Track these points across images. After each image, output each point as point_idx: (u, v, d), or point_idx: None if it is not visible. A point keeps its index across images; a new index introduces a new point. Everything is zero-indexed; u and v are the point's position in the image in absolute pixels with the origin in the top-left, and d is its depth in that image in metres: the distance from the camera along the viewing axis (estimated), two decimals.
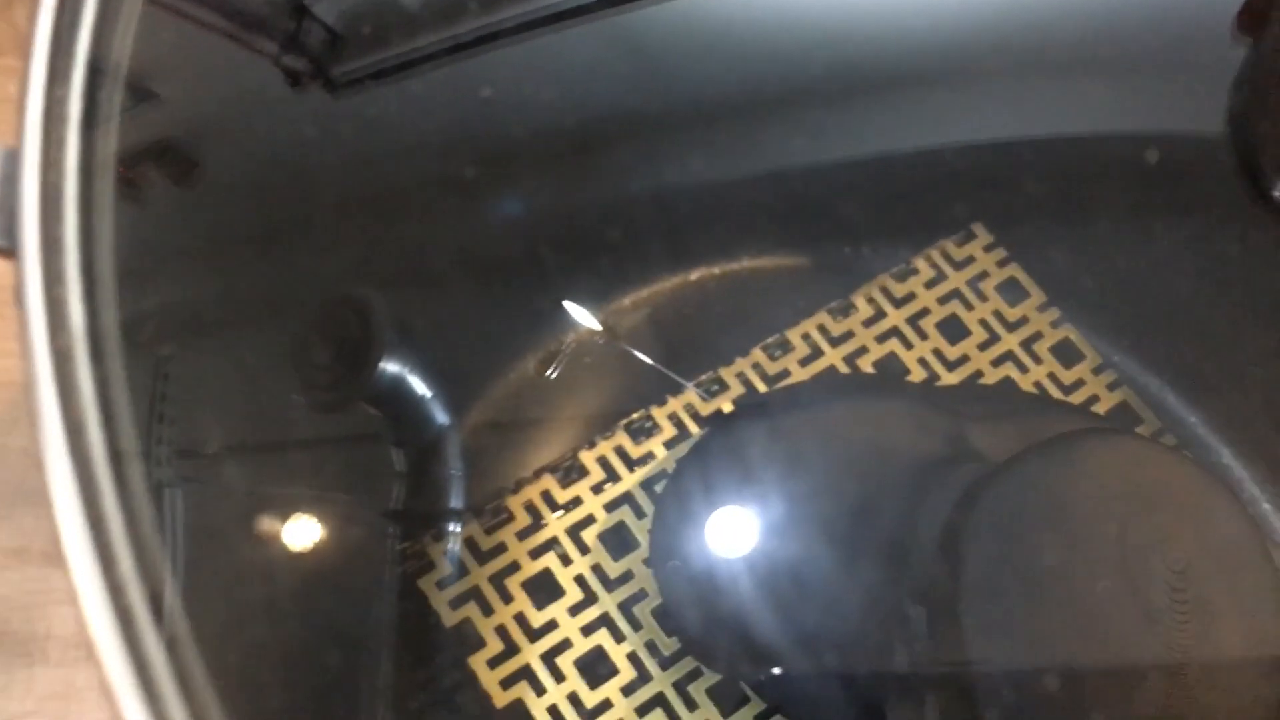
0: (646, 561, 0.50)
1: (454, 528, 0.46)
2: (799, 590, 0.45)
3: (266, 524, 0.41)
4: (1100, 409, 0.54)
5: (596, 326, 0.43)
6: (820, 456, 0.46)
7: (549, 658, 0.49)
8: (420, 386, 0.43)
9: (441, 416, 0.44)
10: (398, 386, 0.42)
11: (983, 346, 0.56)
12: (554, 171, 0.45)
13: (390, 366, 0.42)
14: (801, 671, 0.46)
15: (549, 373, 0.43)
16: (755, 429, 0.50)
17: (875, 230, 0.59)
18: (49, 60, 0.28)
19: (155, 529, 0.33)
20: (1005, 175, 0.59)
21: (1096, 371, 0.55)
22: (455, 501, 0.45)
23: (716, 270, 0.59)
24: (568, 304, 0.44)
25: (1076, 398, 0.54)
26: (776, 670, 0.46)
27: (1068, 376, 0.55)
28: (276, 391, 0.41)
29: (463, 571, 0.50)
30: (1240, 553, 0.33)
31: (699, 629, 0.48)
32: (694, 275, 0.58)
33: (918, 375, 0.55)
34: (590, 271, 0.47)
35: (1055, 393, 0.55)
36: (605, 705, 0.48)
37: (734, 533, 0.47)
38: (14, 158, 0.28)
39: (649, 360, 0.45)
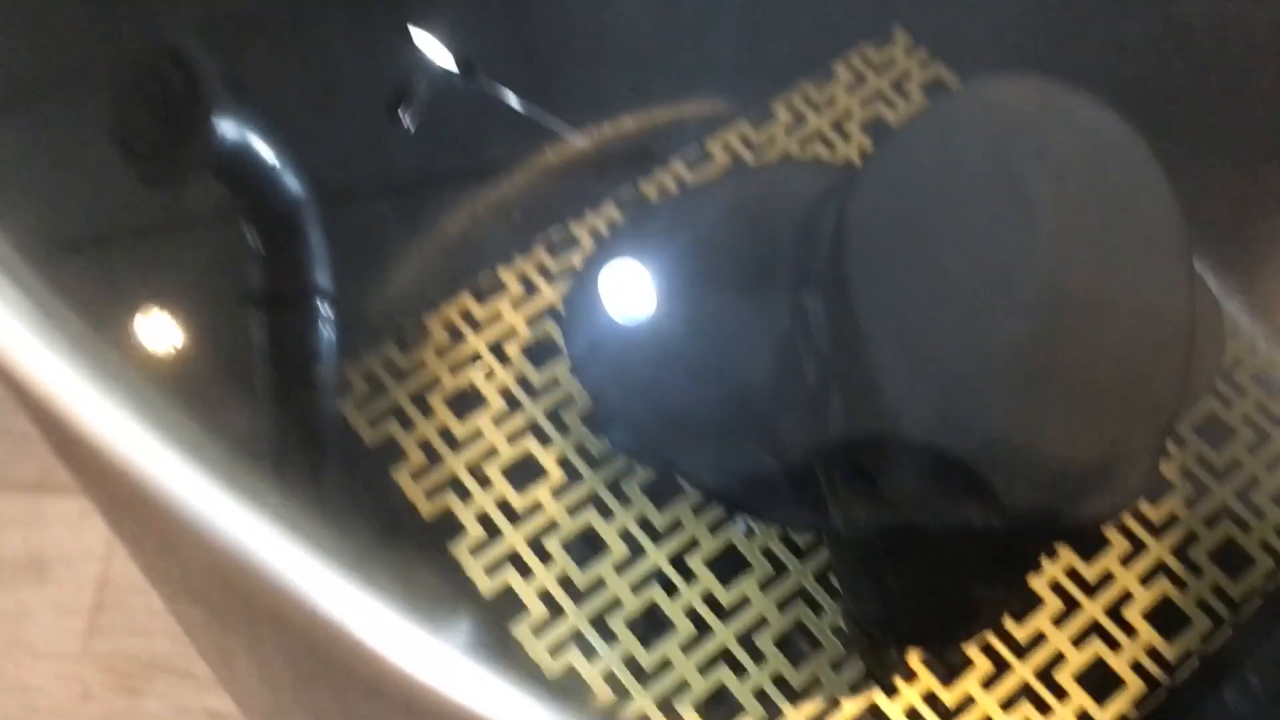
0: (571, 368, 0.48)
1: (323, 308, 0.42)
2: (715, 352, 0.43)
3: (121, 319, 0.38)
4: None
5: (452, 65, 0.40)
6: (722, 227, 0.44)
7: (476, 467, 0.47)
8: (264, 150, 0.38)
9: (294, 186, 0.40)
10: (239, 154, 0.38)
11: None
12: None
13: (227, 130, 0.37)
14: (723, 447, 0.44)
15: (403, 115, 0.39)
16: (660, 215, 0.48)
17: (789, 38, 0.57)
18: None
19: None
20: None
21: None
22: (321, 279, 0.42)
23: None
24: (416, 33, 0.40)
25: None
26: (701, 450, 0.44)
27: None
28: (101, 170, 0.38)
29: (380, 390, 0.48)
30: (1115, 145, 0.31)
31: (624, 421, 0.46)
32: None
33: None
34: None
35: None
36: (535, 508, 0.46)
37: (646, 315, 0.46)
38: None
39: (520, 105, 0.43)
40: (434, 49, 0.41)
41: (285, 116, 0.41)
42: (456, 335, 0.50)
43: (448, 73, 0.41)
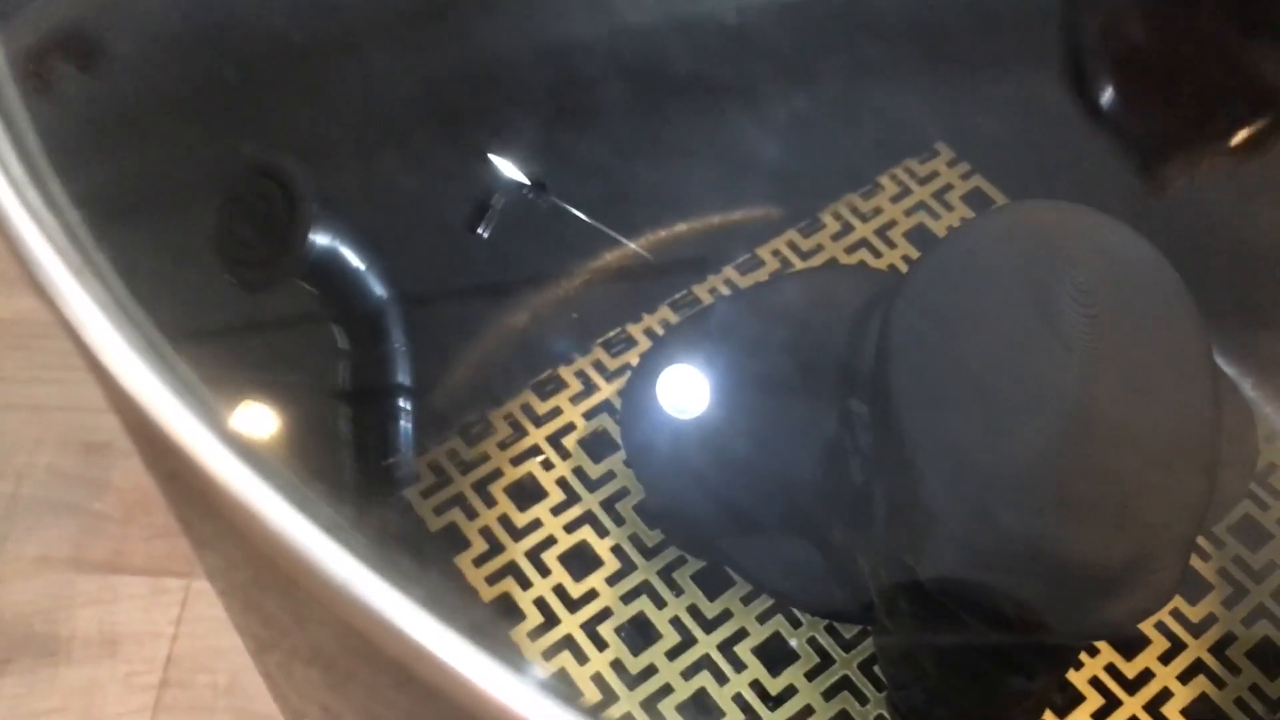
0: (626, 461, 0.51)
1: (402, 404, 0.46)
2: (766, 450, 0.45)
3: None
4: None
5: (525, 181, 0.44)
6: (773, 329, 0.47)
7: (534, 554, 0.49)
8: (353, 258, 0.42)
9: (379, 288, 0.43)
10: (329, 259, 0.42)
11: None
12: (472, 22, 0.46)
13: (319, 238, 0.41)
14: (776, 545, 0.46)
15: (480, 231, 0.43)
16: (709, 323, 0.51)
17: (840, 153, 0.60)
18: None
19: None
20: (965, 92, 0.60)
21: None
22: (403, 377, 0.46)
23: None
24: (493, 158, 0.44)
25: None
26: (754, 546, 0.47)
27: None
28: (205, 275, 0.41)
29: (446, 480, 0.51)
30: (1140, 266, 0.33)
31: (677, 514, 0.49)
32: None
33: None
34: (522, 127, 0.48)
35: None
36: (590, 595, 0.48)
37: (699, 412, 0.48)
38: None
39: (585, 217, 0.46)
40: (510, 170, 0.45)
41: (374, 228, 0.44)
42: (518, 429, 0.52)
43: (521, 188, 0.45)
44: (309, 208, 0.39)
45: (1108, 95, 0.44)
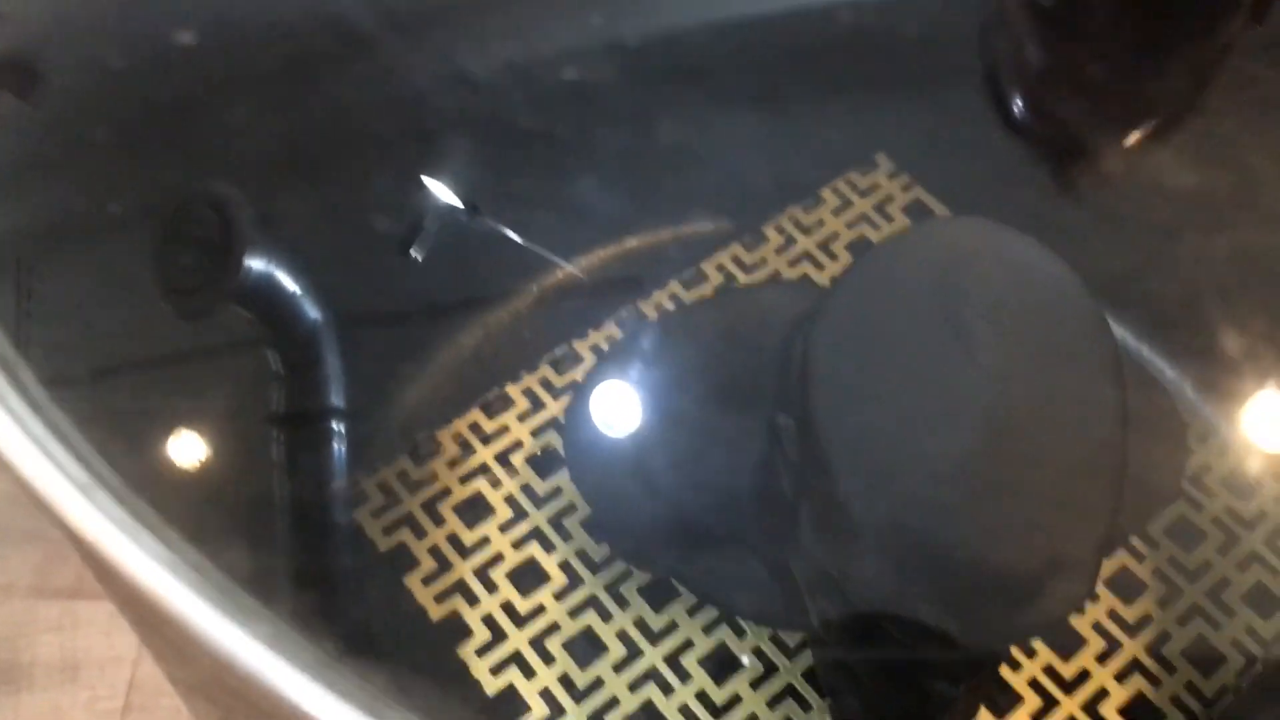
0: (571, 477, 0.52)
1: (337, 426, 0.46)
2: (705, 464, 0.46)
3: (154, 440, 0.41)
4: None
5: (459, 204, 0.45)
6: (706, 344, 0.47)
7: (483, 572, 0.50)
8: (288, 282, 0.43)
9: (313, 312, 0.44)
10: (265, 284, 0.42)
11: None
12: (399, 50, 0.46)
13: (254, 263, 0.42)
14: (715, 553, 0.47)
15: (414, 253, 0.44)
16: (655, 332, 0.51)
17: (779, 168, 0.61)
18: None
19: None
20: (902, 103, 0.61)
21: None
22: (337, 400, 0.46)
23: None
24: (427, 180, 0.45)
25: None
26: (694, 556, 0.47)
27: None
28: (143, 301, 0.42)
29: (395, 500, 0.51)
30: (1047, 281, 0.34)
31: (621, 528, 0.49)
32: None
33: None
34: (455, 153, 0.48)
35: None
36: (538, 610, 0.49)
37: (640, 428, 0.49)
38: None
39: (520, 240, 0.47)
40: (443, 192, 0.45)
41: (308, 251, 0.45)
42: (467, 448, 0.53)
43: (455, 210, 0.46)
44: (244, 231, 0.40)
45: (1018, 108, 0.46)
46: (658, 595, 0.49)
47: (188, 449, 0.42)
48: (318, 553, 0.45)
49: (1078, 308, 0.35)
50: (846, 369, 0.35)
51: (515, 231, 0.46)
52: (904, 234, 0.38)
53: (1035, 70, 0.45)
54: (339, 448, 0.47)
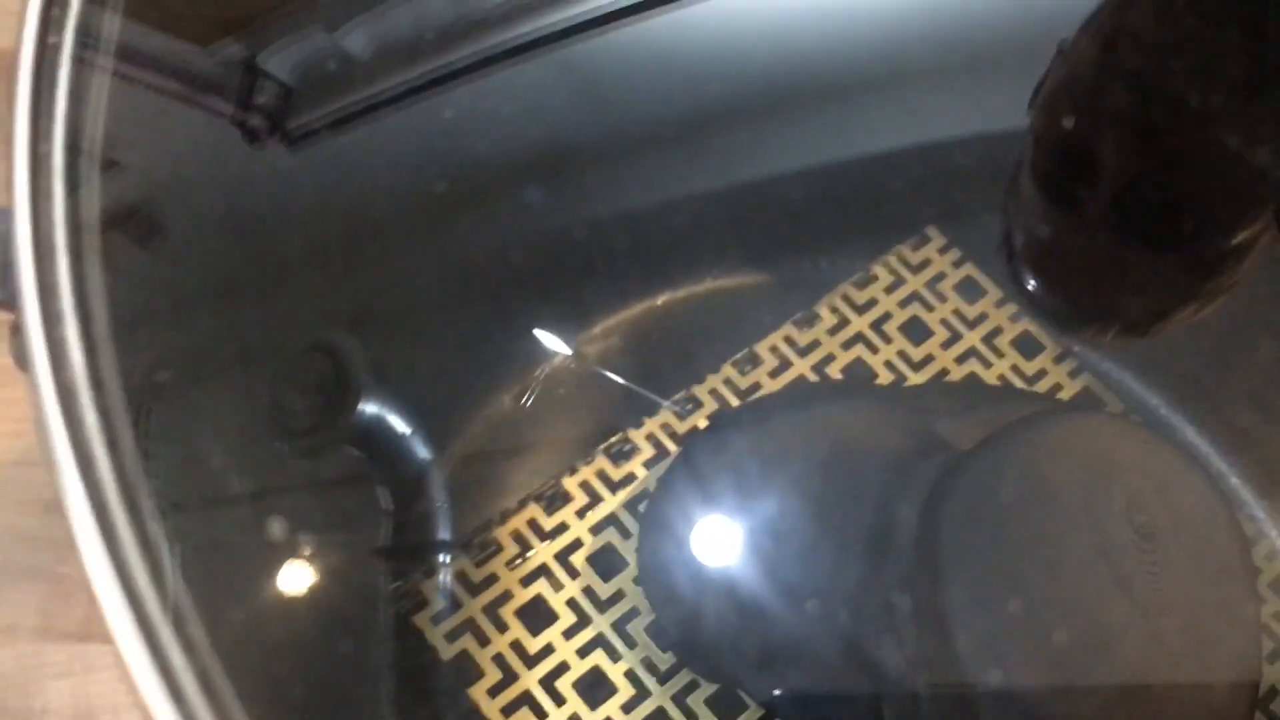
0: (636, 580, 0.51)
1: (444, 560, 0.47)
2: (784, 594, 0.46)
3: (262, 571, 0.42)
4: (1064, 396, 0.55)
5: (568, 352, 0.45)
6: (794, 463, 0.47)
7: (548, 682, 0.49)
8: (399, 424, 0.44)
9: (423, 452, 0.45)
10: (377, 426, 0.43)
11: (946, 345, 0.58)
12: (515, 205, 0.46)
13: (368, 407, 0.43)
14: (793, 672, 0.47)
15: (523, 401, 0.44)
16: (730, 442, 0.51)
17: (832, 241, 0.60)
18: (30, 119, 0.30)
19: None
20: (953, 176, 0.60)
21: (1058, 361, 0.57)
22: (442, 534, 0.46)
23: (682, 293, 0.60)
24: (538, 332, 0.45)
25: (1041, 387, 0.56)
26: (769, 673, 0.47)
27: (1030, 368, 0.57)
28: (258, 440, 0.42)
29: (456, 605, 0.51)
30: (1203, 515, 0.34)
31: (692, 640, 0.49)
32: (660, 299, 0.59)
33: (885, 378, 0.57)
34: (559, 300, 0.48)
35: (1019, 384, 0.56)
36: None
37: (718, 543, 0.48)
38: (6, 216, 0.29)
39: (622, 380, 0.46)
40: (553, 341, 0.45)
41: (420, 394, 0.45)
42: (525, 546, 0.52)
43: (562, 357, 0.45)
44: (359, 379, 0.40)
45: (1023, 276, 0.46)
46: (725, 708, 0.49)
47: (297, 577, 0.42)
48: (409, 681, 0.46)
49: (1223, 531, 0.35)
50: (982, 567, 0.34)
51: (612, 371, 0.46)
52: (1045, 420, 0.38)
53: (1039, 243, 0.45)
54: (444, 579, 0.47)
